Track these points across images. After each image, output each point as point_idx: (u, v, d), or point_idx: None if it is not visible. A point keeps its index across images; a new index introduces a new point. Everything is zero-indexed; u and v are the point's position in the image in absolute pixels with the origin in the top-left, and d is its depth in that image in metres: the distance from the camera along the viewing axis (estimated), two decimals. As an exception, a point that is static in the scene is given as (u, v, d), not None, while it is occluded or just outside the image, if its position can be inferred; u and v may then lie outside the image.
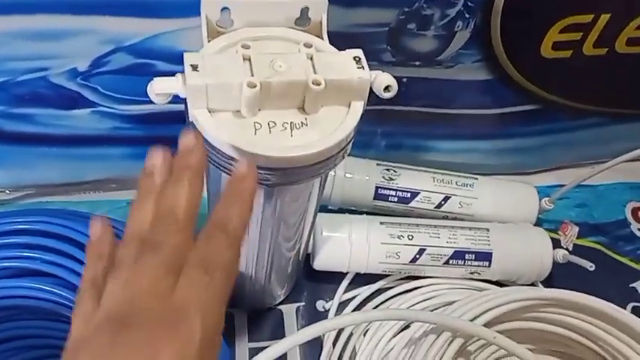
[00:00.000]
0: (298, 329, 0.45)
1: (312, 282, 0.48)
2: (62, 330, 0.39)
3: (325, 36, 0.32)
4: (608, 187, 0.58)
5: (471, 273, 0.47)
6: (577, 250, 0.52)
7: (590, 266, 0.44)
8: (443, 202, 0.50)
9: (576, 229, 0.53)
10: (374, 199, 0.49)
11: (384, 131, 0.51)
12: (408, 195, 0.49)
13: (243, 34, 0.31)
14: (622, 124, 0.52)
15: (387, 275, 0.48)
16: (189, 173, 0.23)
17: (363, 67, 0.29)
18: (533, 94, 0.47)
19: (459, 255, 0.46)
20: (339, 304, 0.47)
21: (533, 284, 0.49)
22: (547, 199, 0.51)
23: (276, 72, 0.28)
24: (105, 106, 0.42)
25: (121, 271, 0.22)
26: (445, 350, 0.35)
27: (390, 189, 0.49)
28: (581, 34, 0.43)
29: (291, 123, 0.28)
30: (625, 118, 0.52)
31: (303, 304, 0.47)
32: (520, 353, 0.34)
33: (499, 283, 0.48)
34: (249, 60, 0.28)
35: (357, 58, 0.29)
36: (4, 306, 0.38)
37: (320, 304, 0.47)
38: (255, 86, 0.27)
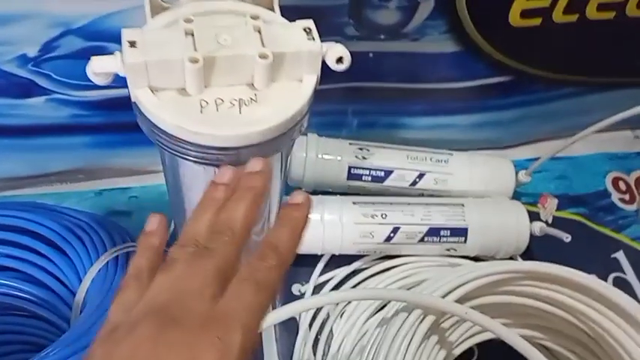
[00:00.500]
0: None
1: (287, 265, 0.47)
2: (26, 325, 0.38)
3: (277, 8, 0.31)
4: (587, 158, 0.57)
5: (448, 250, 0.46)
6: (557, 222, 0.51)
7: (566, 237, 0.43)
8: (417, 180, 0.49)
9: (555, 201, 0.52)
10: (347, 179, 0.48)
11: (355, 110, 0.50)
12: (382, 174, 0.49)
13: (189, 8, 0.29)
14: (598, 93, 0.51)
15: (364, 256, 0.47)
16: (251, 193, 0.24)
17: (313, 39, 0.28)
18: (505, 66, 0.46)
19: (433, 232, 0.45)
20: (315, 286, 0.46)
21: (512, 258, 0.48)
22: (524, 172, 0.50)
23: (222, 46, 0.27)
24: (60, 93, 0.41)
25: (173, 268, 0.22)
26: (417, 328, 0.34)
27: (363, 168, 0.48)
28: (550, 0, 0.41)
29: (239, 99, 0.27)
30: (601, 86, 0.51)
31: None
32: (493, 328, 0.33)
33: (477, 259, 0.47)
34: (192, 34, 0.27)
35: (308, 29, 0.28)
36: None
37: (296, 288, 0.46)
38: (197, 61, 0.25)
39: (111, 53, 0.27)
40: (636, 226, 0.53)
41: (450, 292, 0.35)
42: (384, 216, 0.45)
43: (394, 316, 0.35)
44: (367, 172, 0.48)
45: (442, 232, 0.45)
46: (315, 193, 0.49)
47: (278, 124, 0.27)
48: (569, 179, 0.56)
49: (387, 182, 0.49)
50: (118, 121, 0.44)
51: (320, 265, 0.47)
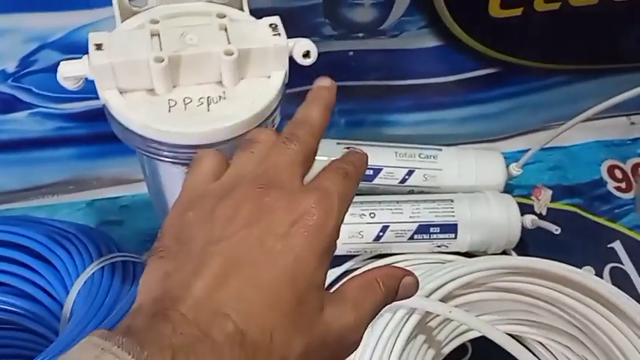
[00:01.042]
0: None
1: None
2: (15, 338, 0.38)
3: (246, 7, 0.31)
4: (582, 147, 0.56)
5: (438, 246, 0.45)
6: (552, 213, 0.50)
7: (555, 230, 0.43)
8: (407, 177, 0.48)
9: (549, 192, 0.52)
10: (336, 179, 0.48)
11: (341, 109, 0.49)
12: (371, 172, 0.48)
13: (158, 11, 0.30)
14: (587, 81, 0.50)
15: (355, 256, 0.47)
16: (323, 101, 0.25)
17: (279, 34, 0.28)
18: (489, 58, 0.45)
19: (423, 229, 0.44)
20: (307, 288, 0.46)
21: (505, 252, 0.48)
22: (515, 164, 0.49)
23: (187, 45, 0.27)
24: (43, 107, 0.41)
25: (256, 142, 0.22)
26: (402, 328, 0.34)
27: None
28: (531, -11, 0.41)
29: (208, 97, 0.27)
30: (589, 74, 0.50)
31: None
32: (477, 326, 0.32)
33: (470, 255, 0.47)
34: (158, 35, 0.27)
35: (274, 25, 0.28)
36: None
37: (288, 291, 0.46)
38: (162, 60, 0.26)
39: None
40: (633, 215, 0.52)
41: (435, 291, 0.35)
42: (372, 215, 0.45)
43: (379, 316, 0.35)
44: (356, 171, 0.48)
45: (432, 229, 0.45)
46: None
47: (246, 120, 0.27)
48: (563, 169, 0.55)
49: (377, 180, 0.48)
50: (103, 131, 0.43)
51: (311, 267, 0.47)
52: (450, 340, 0.37)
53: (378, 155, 0.48)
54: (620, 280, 0.47)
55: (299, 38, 0.28)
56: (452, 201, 0.45)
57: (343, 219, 0.21)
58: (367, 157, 0.26)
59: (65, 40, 0.36)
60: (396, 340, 0.33)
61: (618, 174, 0.55)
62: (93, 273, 0.37)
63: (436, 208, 0.45)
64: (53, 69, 0.38)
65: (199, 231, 0.20)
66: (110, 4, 0.35)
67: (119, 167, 0.48)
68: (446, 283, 0.34)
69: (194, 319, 0.17)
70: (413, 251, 0.46)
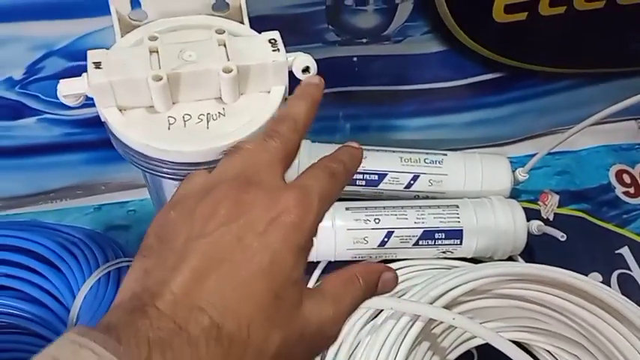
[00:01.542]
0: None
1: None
2: (22, 342, 0.38)
3: (246, 20, 0.31)
4: (590, 152, 0.56)
5: (444, 252, 0.45)
6: (559, 219, 0.50)
7: (561, 236, 0.42)
8: (412, 182, 0.48)
9: (557, 197, 0.51)
10: (341, 184, 0.48)
11: (346, 114, 0.49)
12: (376, 177, 0.48)
13: (158, 25, 0.30)
14: (594, 85, 0.50)
15: (360, 261, 0.47)
16: (310, 97, 0.25)
17: (278, 50, 0.28)
18: (494, 62, 0.45)
19: (428, 235, 0.44)
20: (312, 294, 0.46)
21: (512, 258, 0.47)
22: (521, 169, 0.49)
23: (186, 62, 0.27)
24: (50, 113, 0.41)
25: (239, 149, 0.23)
26: (405, 335, 0.33)
27: (356, 172, 0.48)
28: (535, -7, 0.41)
29: (207, 114, 0.27)
30: (596, 78, 0.50)
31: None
32: (481, 333, 0.32)
33: (476, 260, 0.47)
34: (157, 52, 0.27)
35: (273, 41, 0.28)
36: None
37: (293, 296, 0.46)
38: (160, 79, 0.26)
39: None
40: (642, 219, 0.51)
41: (439, 297, 0.34)
42: (377, 221, 0.44)
43: (383, 322, 0.35)
44: (361, 176, 0.48)
45: (437, 235, 0.44)
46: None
47: (245, 138, 0.27)
48: (570, 174, 0.54)
49: (382, 185, 0.48)
50: (108, 136, 0.45)
51: (317, 273, 0.47)
52: (456, 347, 0.37)
53: (383, 160, 0.48)
54: (628, 286, 0.47)
55: (298, 53, 0.28)
56: (457, 206, 0.45)
57: (322, 217, 0.21)
58: (362, 150, 0.26)
59: (71, 48, 0.37)
60: (399, 347, 0.33)
61: (627, 179, 0.54)
62: (99, 278, 0.38)
63: (441, 214, 0.45)
64: (59, 76, 0.39)
65: (180, 229, 0.20)
66: (114, 12, 0.35)
67: (126, 172, 0.49)
68: (451, 290, 0.34)
69: (171, 314, 0.17)
70: (418, 257, 0.46)
